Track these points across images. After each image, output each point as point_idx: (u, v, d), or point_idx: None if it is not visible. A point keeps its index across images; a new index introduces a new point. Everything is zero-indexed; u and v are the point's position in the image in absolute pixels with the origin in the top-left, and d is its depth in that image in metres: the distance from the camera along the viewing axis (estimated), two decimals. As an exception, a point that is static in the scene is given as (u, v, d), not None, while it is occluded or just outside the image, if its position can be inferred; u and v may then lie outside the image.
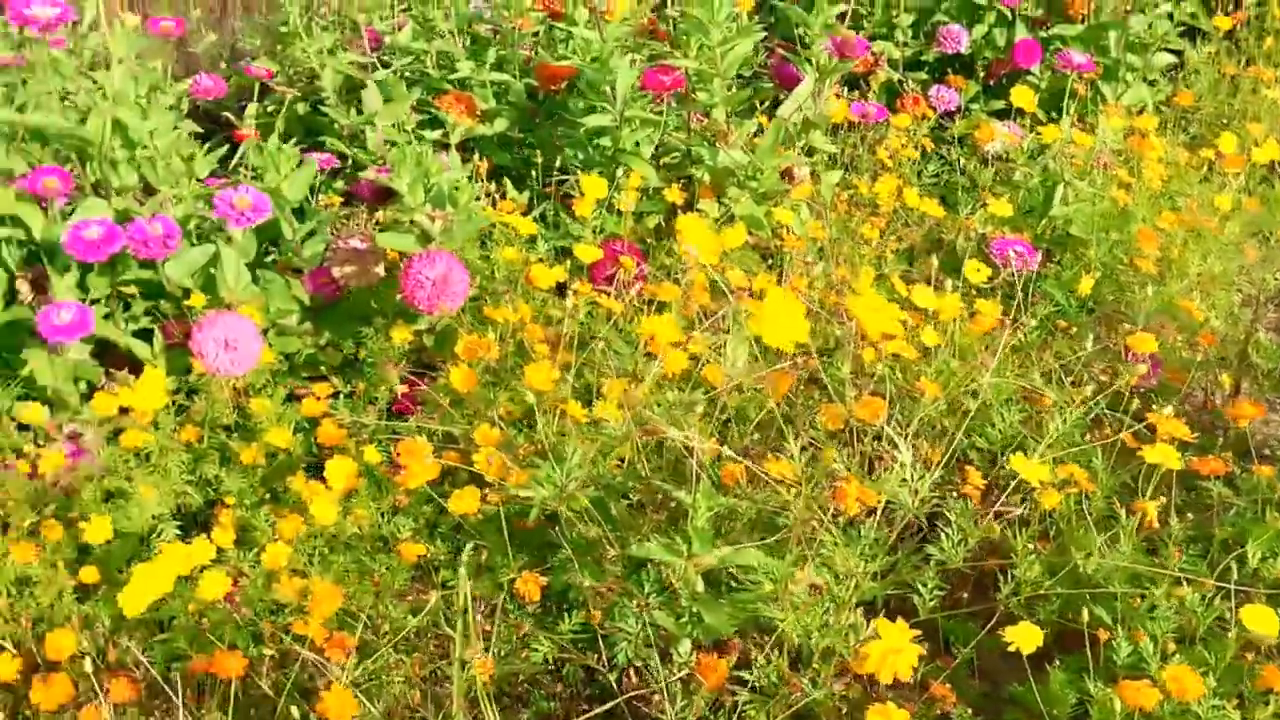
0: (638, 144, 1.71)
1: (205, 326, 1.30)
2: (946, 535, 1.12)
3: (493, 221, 1.50)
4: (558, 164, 2.02)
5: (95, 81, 1.49)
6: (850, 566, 1.12)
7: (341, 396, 1.42)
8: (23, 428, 1.34)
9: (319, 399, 1.39)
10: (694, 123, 1.83)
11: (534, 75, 2.07)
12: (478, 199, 1.64)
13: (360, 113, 2.12)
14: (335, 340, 1.55)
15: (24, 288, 1.40)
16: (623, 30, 1.85)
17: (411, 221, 1.38)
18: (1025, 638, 1.04)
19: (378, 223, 1.84)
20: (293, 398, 1.47)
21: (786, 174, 1.72)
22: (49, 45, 1.42)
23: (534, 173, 1.91)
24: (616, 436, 1.11)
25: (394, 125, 1.79)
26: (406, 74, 2.02)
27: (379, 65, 2.11)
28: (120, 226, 1.28)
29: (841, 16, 1.85)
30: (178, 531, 1.32)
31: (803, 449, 1.20)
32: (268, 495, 1.36)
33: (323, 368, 1.55)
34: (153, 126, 1.43)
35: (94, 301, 1.40)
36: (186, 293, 1.44)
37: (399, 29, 2.08)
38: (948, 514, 1.20)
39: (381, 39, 2.25)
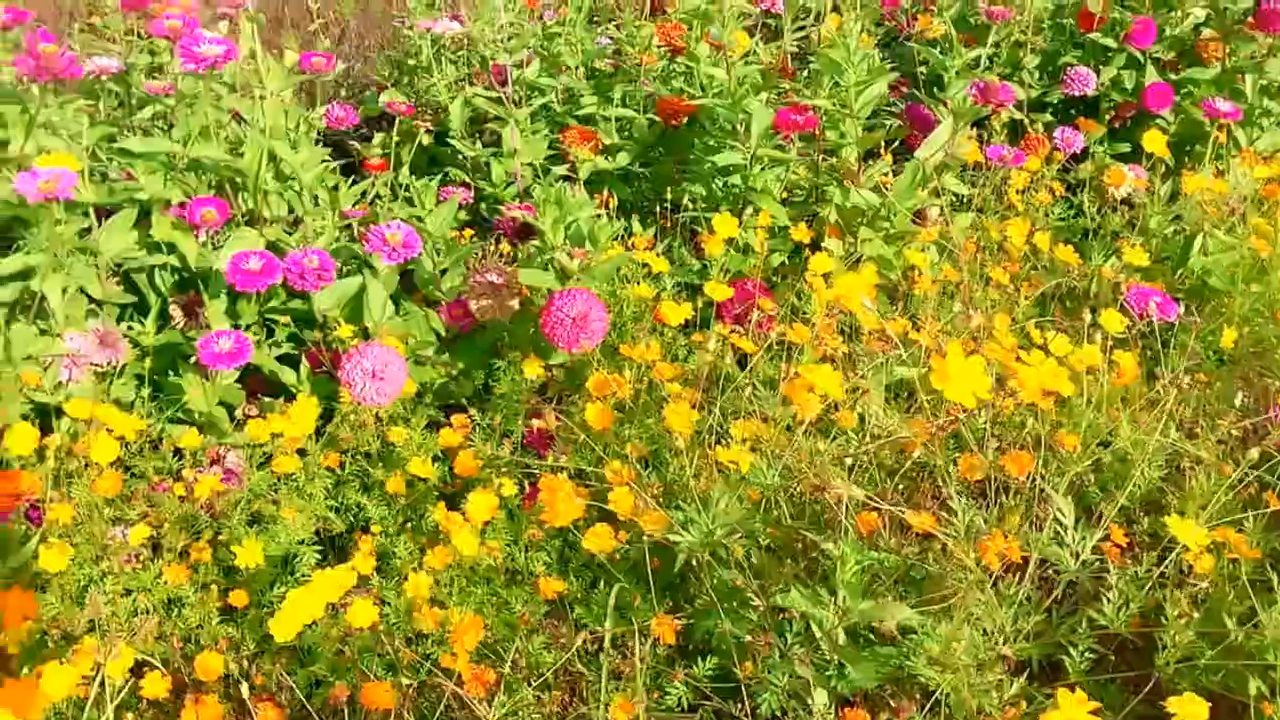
0: (768, 183, 1.71)
1: (354, 357, 1.32)
2: (1108, 599, 1.08)
3: (633, 261, 1.51)
4: (672, 198, 2.03)
5: (241, 114, 1.55)
6: (1000, 624, 1.09)
7: (477, 428, 1.44)
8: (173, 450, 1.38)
9: (456, 430, 1.41)
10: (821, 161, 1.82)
11: (655, 110, 2.09)
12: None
13: (485, 145, 2.16)
14: (467, 371, 1.57)
15: (177, 313, 1.44)
16: (750, 68, 1.86)
17: (551, 258, 1.40)
18: (1190, 710, 1.00)
19: (502, 254, 1.87)
20: (427, 426, 1.49)
21: (919, 215, 1.70)
22: (207, 79, 1.46)
23: (653, 207, 1.92)
24: (771, 486, 1.10)
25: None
26: (532, 109, 2.04)
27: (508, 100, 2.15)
28: (276, 258, 1.32)
29: (975, 62, 1.83)
30: (317, 555, 1.35)
31: (942, 501, 1.18)
32: (404, 523, 1.38)
33: (453, 398, 1.58)
34: (303, 159, 1.47)
35: (245, 327, 1.44)
36: (320, 319, 1.48)
37: (526, 64, 2.11)
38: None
39: (506, 73, 2.29)
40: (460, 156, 2.16)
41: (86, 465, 1.21)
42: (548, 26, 2.24)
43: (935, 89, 1.79)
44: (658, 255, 1.71)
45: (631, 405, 1.49)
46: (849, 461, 1.14)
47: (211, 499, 1.26)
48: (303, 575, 1.32)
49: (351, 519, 1.40)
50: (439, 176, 2.15)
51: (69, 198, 1.22)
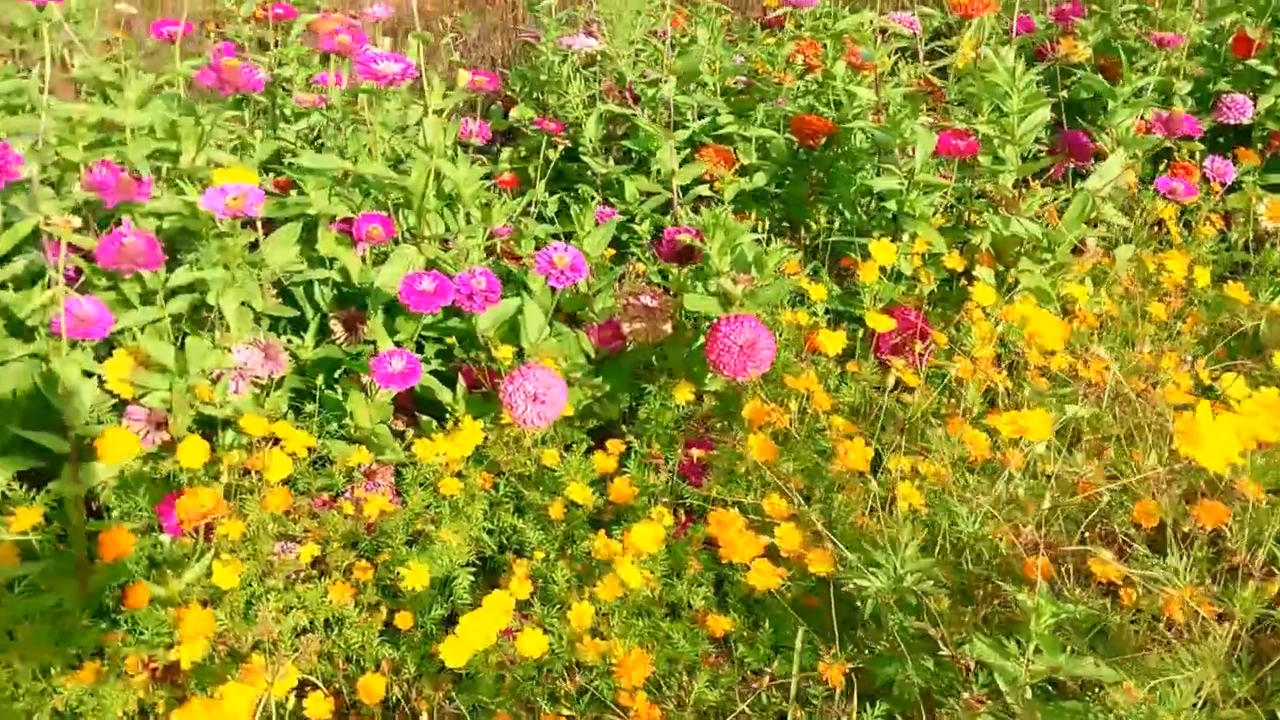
0: (925, 209, 1.66)
1: (516, 379, 1.31)
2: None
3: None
4: (808, 219, 2.00)
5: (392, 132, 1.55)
6: (1203, 684, 1.03)
7: (633, 453, 1.42)
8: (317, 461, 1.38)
9: (611, 455, 1.39)
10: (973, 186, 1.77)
11: (791, 130, 2.05)
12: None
13: (617, 163, 2.14)
14: (613, 393, 1.55)
15: (337, 328, 1.44)
16: (897, 90, 1.81)
17: (716, 284, 1.37)
18: None
19: (638, 274, 1.85)
20: (568, 448, 1.47)
21: (1078, 247, 1.64)
22: (381, 96, 1.47)
23: (788, 228, 1.89)
24: (971, 534, 1.05)
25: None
26: (688, 132, 2.02)
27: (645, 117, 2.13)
28: (448, 279, 1.31)
29: (1139, 90, 1.77)
30: (471, 578, 1.33)
31: (1118, 548, 1.13)
32: (561, 548, 1.36)
33: (598, 419, 1.55)
34: (464, 177, 1.46)
35: (399, 344, 1.44)
36: (482, 339, 1.47)
37: (663, 82, 2.09)
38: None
39: (638, 90, 2.28)
40: (590, 173, 2.15)
41: (259, 479, 1.21)
42: (683, 44, 2.22)
43: (1089, 115, 1.73)
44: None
45: (789, 435, 1.45)
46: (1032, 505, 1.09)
47: (376, 518, 1.25)
48: (459, 598, 1.30)
49: (503, 540, 1.39)
50: (569, 192, 2.16)
51: (256, 215, 1.22)
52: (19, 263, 1.32)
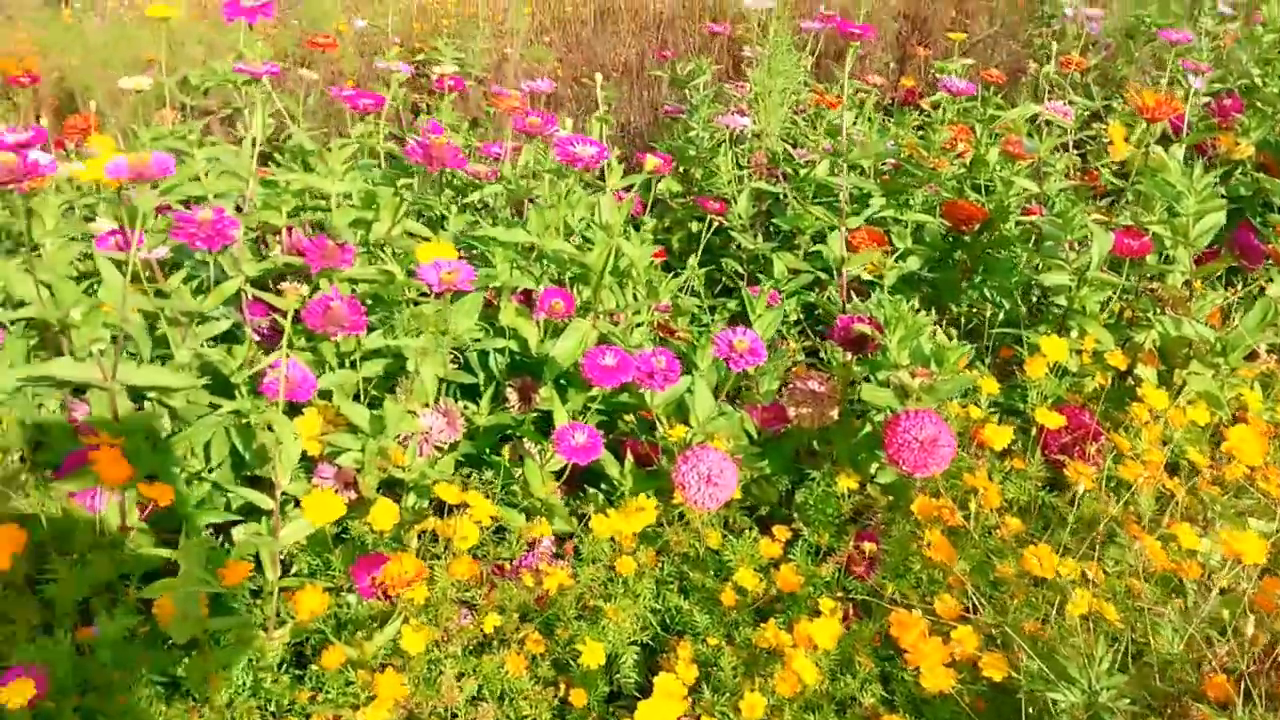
0: (1094, 305, 1.65)
1: (690, 460, 1.32)
2: None
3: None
4: (957, 306, 1.99)
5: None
6: None
7: (800, 539, 1.42)
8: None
9: (776, 541, 1.39)
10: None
11: (943, 215, 2.05)
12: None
13: (765, 240, 2.16)
14: (771, 476, 1.55)
15: (512, 396, 1.48)
16: (1066, 185, 1.81)
17: (892, 376, 1.37)
18: None
19: (790, 352, 1.86)
20: (726, 526, 1.48)
21: (1250, 352, 1.60)
22: (574, 177, 1.51)
23: (938, 311, 1.88)
24: (1176, 655, 1.03)
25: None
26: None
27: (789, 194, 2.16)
28: (629, 356, 1.34)
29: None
30: (635, 657, 1.34)
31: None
32: (726, 634, 1.36)
33: (756, 501, 1.56)
34: (638, 254, 1.50)
35: (575, 415, 1.47)
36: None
37: (818, 162, 2.12)
38: None
39: (778, 168, 2.31)
40: (735, 247, 2.17)
41: (443, 545, 1.24)
42: (833, 124, 2.25)
43: (1248, 213, 1.70)
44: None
45: (959, 532, 1.44)
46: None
47: (555, 591, 1.27)
48: (624, 675, 1.31)
49: (665, 620, 1.39)
50: (714, 266, 2.19)
51: (468, 290, 1.27)
52: (224, 322, 1.39)
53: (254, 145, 1.43)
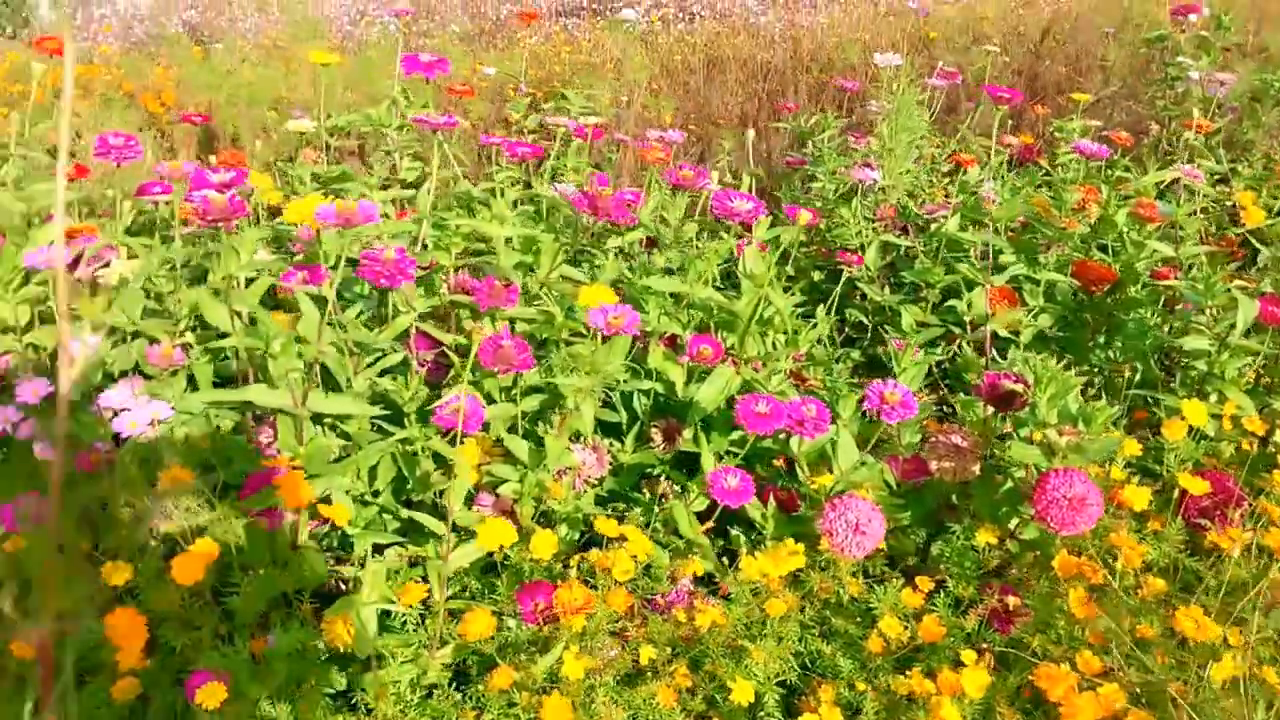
0: (1234, 371, 1.65)
1: (839, 508, 1.36)
2: None
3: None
4: (1085, 367, 1.99)
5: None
6: None
7: (943, 591, 1.44)
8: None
9: (919, 592, 1.41)
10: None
11: (1073, 274, 2.07)
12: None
13: (891, 291, 2.20)
14: (908, 527, 1.58)
15: (657, 436, 1.53)
16: (1203, 250, 1.81)
17: (1025, 430, 1.39)
18: None
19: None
20: (867, 575, 1.50)
21: (1401, 427, 1.58)
22: (731, 231, 1.57)
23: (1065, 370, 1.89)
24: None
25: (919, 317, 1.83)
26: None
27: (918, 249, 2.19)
28: (781, 403, 1.38)
29: None
30: (777, 697, 1.37)
31: None
32: (867, 680, 1.38)
33: (892, 551, 1.58)
34: (784, 305, 1.55)
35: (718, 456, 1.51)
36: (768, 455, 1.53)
37: (947, 217, 2.15)
38: None
39: (906, 221, 2.34)
40: (861, 298, 2.21)
41: (591, 575, 1.29)
42: (965, 180, 2.28)
43: None
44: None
45: (1100, 589, 1.44)
46: None
47: (706, 628, 1.31)
48: (768, 713, 1.34)
49: (806, 663, 1.42)
50: (838, 315, 2.22)
51: (632, 333, 1.33)
52: (398, 354, 1.47)
53: (430, 192, 1.51)
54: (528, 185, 2.22)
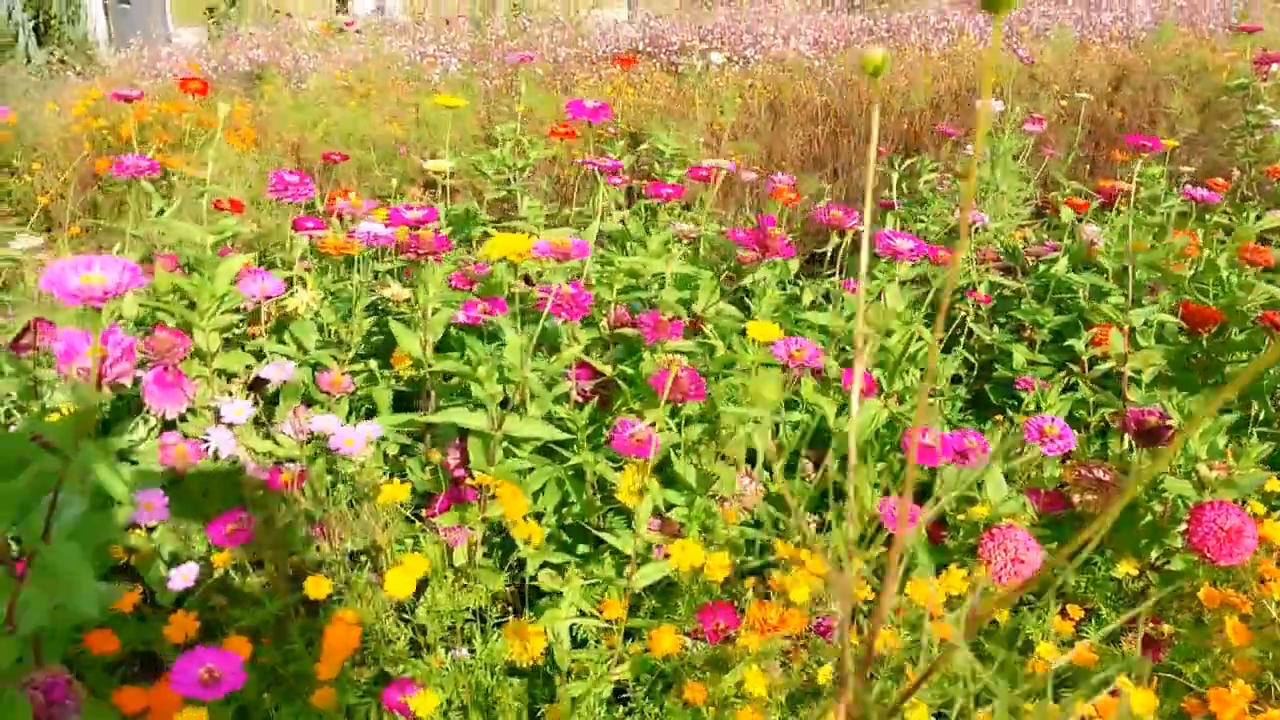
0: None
1: (998, 538, 1.41)
2: None
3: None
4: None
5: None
6: None
7: (1094, 620, 1.49)
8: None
9: (1070, 619, 1.46)
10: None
11: (1181, 316, 2.12)
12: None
13: (1000, 330, 2.25)
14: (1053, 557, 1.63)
15: (808, 466, 1.60)
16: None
17: (1191, 468, 1.45)
18: None
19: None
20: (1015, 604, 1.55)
21: None
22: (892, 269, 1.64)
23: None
24: None
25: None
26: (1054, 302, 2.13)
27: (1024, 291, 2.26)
28: (946, 435, 1.44)
29: None
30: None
31: None
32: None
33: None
34: (932, 340, 1.61)
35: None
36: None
37: (1054, 256, 2.22)
38: None
39: (1014, 262, 2.41)
40: (967, 336, 2.27)
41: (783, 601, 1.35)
42: (1063, 222, 2.35)
43: None
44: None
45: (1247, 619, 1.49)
46: None
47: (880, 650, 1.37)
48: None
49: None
50: (946, 352, 2.29)
51: (817, 366, 1.41)
52: (570, 383, 1.54)
53: (598, 231, 1.60)
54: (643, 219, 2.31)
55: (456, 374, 1.38)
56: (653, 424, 1.45)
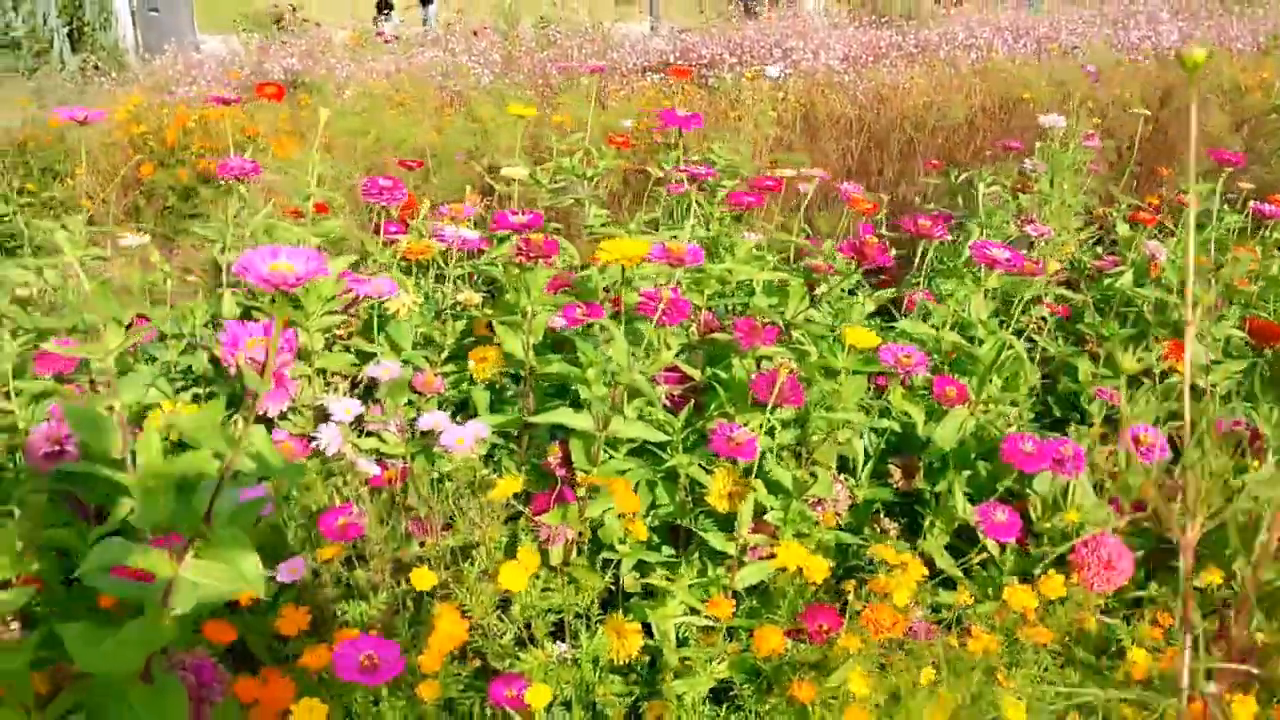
0: None
1: (1090, 544, 1.43)
2: None
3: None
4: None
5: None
6: None
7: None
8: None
9: (1159, 626, 1.48)
10: None
11: (1249, 331, 2.14)
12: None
13: (1065, 343, 2.27)
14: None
15: (896, 472, 1.62)
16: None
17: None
18: None
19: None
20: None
21: None
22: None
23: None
24: None
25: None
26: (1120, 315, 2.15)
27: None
28: (1041, 441, 1.47)
29: None
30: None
31: None
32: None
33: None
34: (1020, 350, 1.63)
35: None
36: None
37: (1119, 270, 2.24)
38: None
39: (1077, 276, 2.43)
40: (1029, 347, 2.29)
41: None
42: (1126, 237, 2.37)
43: None
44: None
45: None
46: None
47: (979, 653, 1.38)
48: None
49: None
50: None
51: (924, 371, 1.43)
52: (663, 387, 1.57)
53: (690, 235, 1.63)
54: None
55: (564, 376, 1.40)
56: (758, 426, 1.48)
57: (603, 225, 2.25)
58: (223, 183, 1.90)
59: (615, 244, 1.32)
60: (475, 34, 8.28)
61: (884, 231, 2.60)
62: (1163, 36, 7.23)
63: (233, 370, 0.95)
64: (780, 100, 5.72)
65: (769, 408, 1.43)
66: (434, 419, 1.37)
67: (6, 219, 4.13)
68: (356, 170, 3.12)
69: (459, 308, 1.89)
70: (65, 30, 8.23)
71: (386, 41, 8.06)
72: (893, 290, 1.82)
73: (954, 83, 5.92)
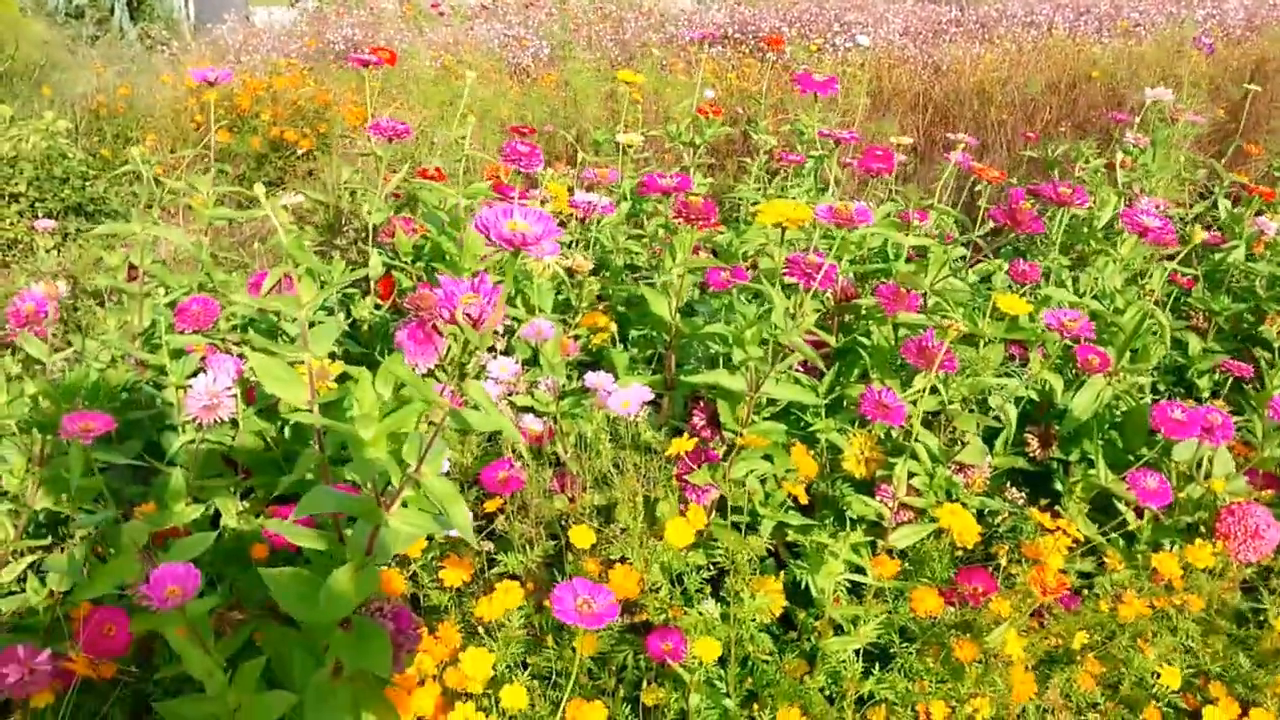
0: None
1: (1236, 514, 1.44)
2: None
3: None
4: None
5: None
6: None
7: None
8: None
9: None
10: None
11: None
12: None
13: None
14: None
15: (1033, 441, 1.62)
16: None
17: None
18: None
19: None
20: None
21: None
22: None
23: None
24: None
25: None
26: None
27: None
28: (1193, 410, 1.47)
29: None
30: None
31: None
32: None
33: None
34: (1163, 317, 1.63)
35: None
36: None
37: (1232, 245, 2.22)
38: None
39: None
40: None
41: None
42: (1234, 211, 2.35)
43: None
44: None
45: None
46: None
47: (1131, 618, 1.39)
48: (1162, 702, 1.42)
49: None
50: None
51: (1090, 336, 1.44)
52: (797, 355, 1.58)
53: (832, 195, 1.63)
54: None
55: (721, 336, 1.42)
56: (918, 390, 1.48)
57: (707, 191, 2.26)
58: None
59: (774, 205, 1.33)
60: (528, 5, 8.28)
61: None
62: (1228, 15, 7.10)
63: (446, 327, 0.97)
64: (844, 74, 5.68)
65: (927, 374, 1.44)
66: (597, 378, 1.39)
67: (90, 184, 4.19)
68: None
69: (570, 273, 1.91)
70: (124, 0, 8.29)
71: (441, 13, 8.06)
72: (1029, 258, 1.82)
73: (1019, 59, 5.85)
